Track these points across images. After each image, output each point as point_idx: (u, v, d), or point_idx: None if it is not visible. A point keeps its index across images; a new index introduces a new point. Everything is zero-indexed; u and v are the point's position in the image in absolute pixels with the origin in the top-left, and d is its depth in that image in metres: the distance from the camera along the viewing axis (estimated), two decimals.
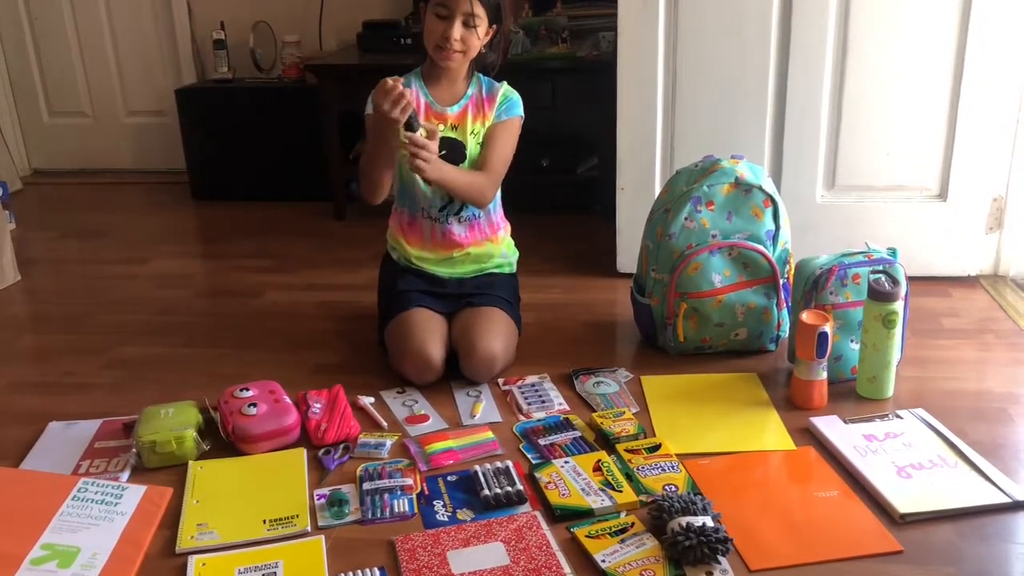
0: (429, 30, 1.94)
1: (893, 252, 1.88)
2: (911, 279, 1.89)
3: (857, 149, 2.40)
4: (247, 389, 1.82)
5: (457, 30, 1.91)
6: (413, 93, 2.00)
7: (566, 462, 1.62)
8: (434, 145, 1.87)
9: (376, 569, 1.37)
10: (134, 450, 1.68)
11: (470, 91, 2.05)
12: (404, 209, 2.10)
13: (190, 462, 1.67)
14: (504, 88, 2.07)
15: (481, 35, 1.94)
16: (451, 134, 2.02)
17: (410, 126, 1.84)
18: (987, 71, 2.28)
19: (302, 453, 1.70)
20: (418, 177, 1.98)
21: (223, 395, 1.81)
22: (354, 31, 3.43)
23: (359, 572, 1.37)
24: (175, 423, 1.71)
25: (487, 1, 1.91)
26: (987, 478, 1.54)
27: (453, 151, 1.99)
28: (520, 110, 2.07)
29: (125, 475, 1.65)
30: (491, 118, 2.04)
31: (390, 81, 1.81)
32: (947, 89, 2.32)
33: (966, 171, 2.37)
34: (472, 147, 2.03)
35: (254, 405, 1.75)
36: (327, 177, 3.28)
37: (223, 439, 1.73)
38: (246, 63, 3.57)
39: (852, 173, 2.43)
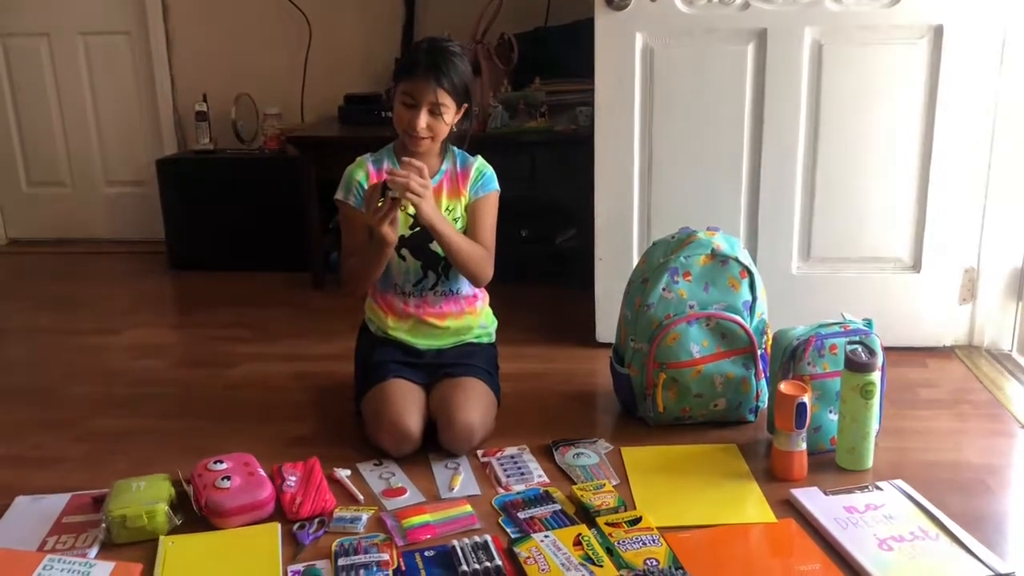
0: (397, 116, 1.95)
1: (869, 323, 1.90)
2: (887, 349, 1.90)
3: (830, 221, 2.44)
4: (221, 462, 1.78)
5: (423, 119, 1.91)
6: (385, 170, 2.01)
7: (546, 536, 1.60)
8: (427, 172, 1.87)
9: None
10: (103, 525, 1.64)
11: (444, 166, 2.05)
12: (379, 283, 2.09)
13: (161, 537, 1.63)
14: (478, 163, 2.08)
15: (449, 120, 1.95)
16: None
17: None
18: (955, 146, 2.34)
19: (276, 528, 1.67)
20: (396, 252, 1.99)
21: (196, 468, 1.78)
22: (335, 104, 3.48)
23: None
24: (146, 497, 1.67)
25: (453, 88, 1.91)
26: (969, 551, 1.53)
27: None
28: (496, 183, 2.08)
29: (93, 551, 1.60)
30: (466, 194, 2.05)
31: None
32: (917, 163, 2.37)
33: (937, 243, 2.41)
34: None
35: (228, 478, 1.72)
36: (306, 247, 3.29)
37: (196, 513, 1.69)
38: (228, 134, 3.59)
39: (826, 245, 2.47)
